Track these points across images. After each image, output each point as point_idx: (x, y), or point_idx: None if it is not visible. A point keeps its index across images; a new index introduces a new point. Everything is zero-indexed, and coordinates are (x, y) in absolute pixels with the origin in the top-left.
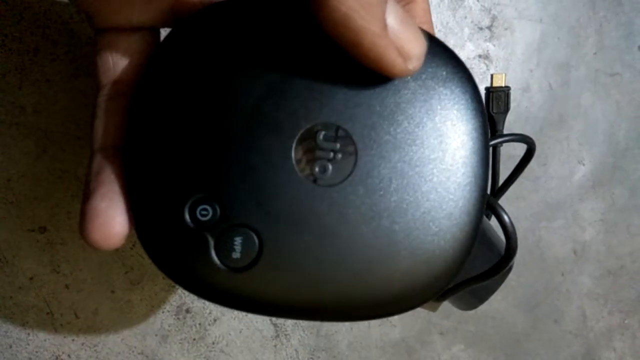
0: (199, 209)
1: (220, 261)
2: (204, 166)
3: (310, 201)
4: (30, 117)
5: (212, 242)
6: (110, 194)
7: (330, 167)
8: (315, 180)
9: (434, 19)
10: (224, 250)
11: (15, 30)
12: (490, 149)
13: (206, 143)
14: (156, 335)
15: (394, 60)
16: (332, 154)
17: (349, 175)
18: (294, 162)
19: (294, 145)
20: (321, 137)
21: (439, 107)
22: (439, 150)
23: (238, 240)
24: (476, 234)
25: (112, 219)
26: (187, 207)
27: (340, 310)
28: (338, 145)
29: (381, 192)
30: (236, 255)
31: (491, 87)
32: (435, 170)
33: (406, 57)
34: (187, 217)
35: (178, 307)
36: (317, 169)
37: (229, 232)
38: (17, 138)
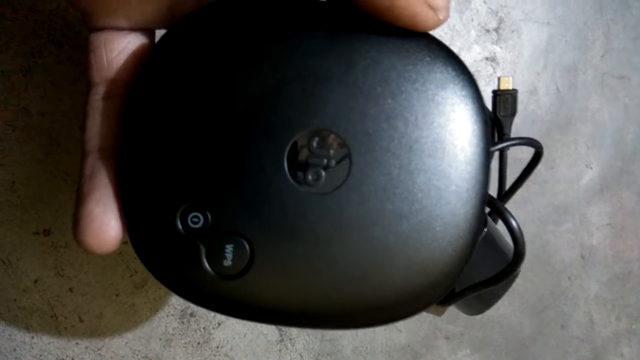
0: (190, 217)
1: (212, 268)
2: (195, 172)
3: (303, 209)
4: (35, 119)
5: (203, 250)
6: (105, 198)
7: (323, 174)
8: (308, 188)
9: None
10: (215, 257)
11: (20, 33)
12: (496, 153)
13: (198, 148)
14: (160, 339)
15: (426, 14)
16: (325, 161)
17: (342, 182)
18: (286, 169)
19: (286, 151)
20: (315, 143)
21: (437, 112)
22: (436, 157)
23: (229, 248)
24: (475, 242)
25: (106, 224)
26: (179, 214)
27: (332, 318)
28: (332, 152)
29: (375, 200)
30: (227, 262)
31: (498, 90)
32: (432, 177)
33: (436, 9)
34: (178, 224)
35: (182, 310)
36: (310, 176)
37: (220, 239)
38: (22, 141)
